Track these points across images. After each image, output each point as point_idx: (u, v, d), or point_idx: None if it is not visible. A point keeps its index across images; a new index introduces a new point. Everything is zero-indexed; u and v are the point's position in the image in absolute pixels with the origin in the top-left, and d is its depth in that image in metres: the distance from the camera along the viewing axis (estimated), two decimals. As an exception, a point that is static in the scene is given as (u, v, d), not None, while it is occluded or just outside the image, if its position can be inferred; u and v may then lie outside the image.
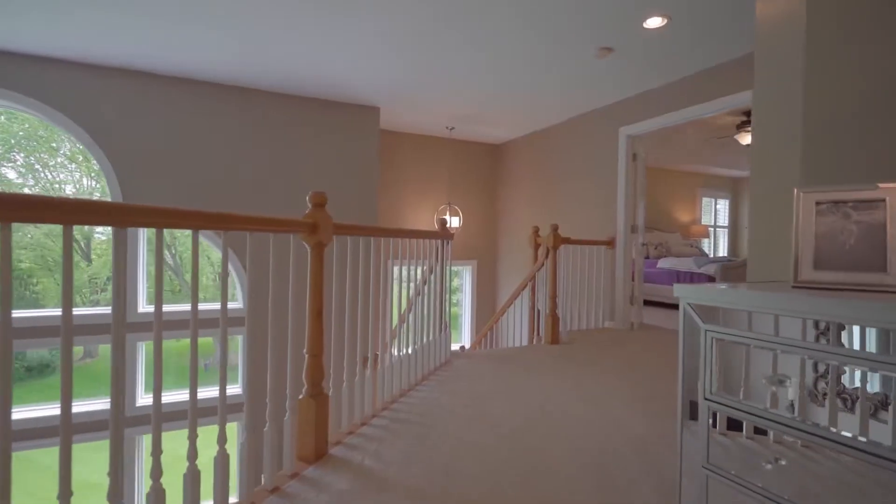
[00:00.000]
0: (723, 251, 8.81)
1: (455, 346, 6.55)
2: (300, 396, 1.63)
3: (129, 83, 3.93)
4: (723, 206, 8.83)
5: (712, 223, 8.71)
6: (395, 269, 2.50)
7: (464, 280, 6.66)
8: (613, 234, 4.48)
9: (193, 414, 1.19)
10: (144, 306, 4.30)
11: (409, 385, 2.49)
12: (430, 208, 6.12)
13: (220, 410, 1.26)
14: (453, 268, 6.76)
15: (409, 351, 2.54)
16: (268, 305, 1.44)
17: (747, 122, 5.98)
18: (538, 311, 4.15)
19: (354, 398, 1.95)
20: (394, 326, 2.92)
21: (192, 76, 4.08)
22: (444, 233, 3.05)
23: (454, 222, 5.89)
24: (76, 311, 4.17)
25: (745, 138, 6.01)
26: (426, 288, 2.91)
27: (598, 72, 3.79)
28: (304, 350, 1.63)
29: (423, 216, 6.07)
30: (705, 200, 8.60)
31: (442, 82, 4.14)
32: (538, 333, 4.06)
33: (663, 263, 6.18)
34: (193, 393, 1.18)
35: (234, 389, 4.45)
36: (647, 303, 5.26)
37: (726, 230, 8.86)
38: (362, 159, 4.88)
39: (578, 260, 4.31)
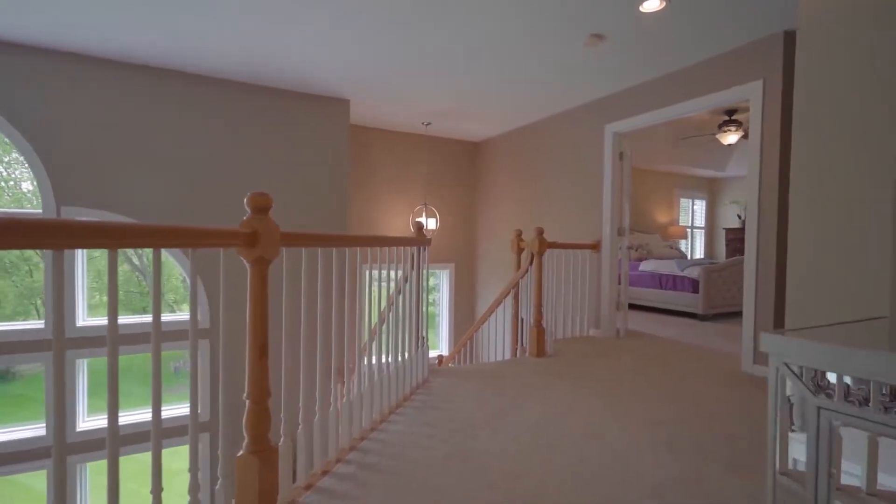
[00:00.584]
0: (699, 253, 8.79)
1: (433, 354, 6.25)
2: (239, 453, 1.28)
3: (59, 65, 3.44)
4: (699, 206, 8.81)
5: (689, 224, 8.67)
6: (369, 276, 2.15)
7: (441, 284, 6.35)
8: (598, 237, 4.26)
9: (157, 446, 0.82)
10: (84, 319, 3.82)
11: (381, 415, 2.16)
12: (406, 209, 5.78)
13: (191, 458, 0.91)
14: (430, 270, 6.43)
15: (381, 375, 2.20)
16: (219, 335, 1.09)
17: (729, 122, 5.90)
18: (521, 319, 3.88)
19: (314, 443, 1.60)
20: (364, 343, 2.58)
21: (133, 60, 3.61)
22: (420, 238, 2.72)
23: (430, 224, 5.57)
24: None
25: (727, 138, 5.92)
26: (400, 299, 2.58)
27: (585, 63, 3.53)
28: (245, 395, 1.28)
29: (397, 217, 5.72)
30: (683, 201, 8.55)
31: (416, 73, 3.81)
32: (522, 344, 3.78)
33: (645, 266, 6.03)
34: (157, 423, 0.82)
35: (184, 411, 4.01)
36: (629, 307, 5.07)
37: (703, 231, 8.84)
38: (331, 156, 4.50)
39: (563, 264, 4.06)
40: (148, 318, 4.02)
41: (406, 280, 2.74)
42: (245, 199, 1.26)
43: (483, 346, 5.09)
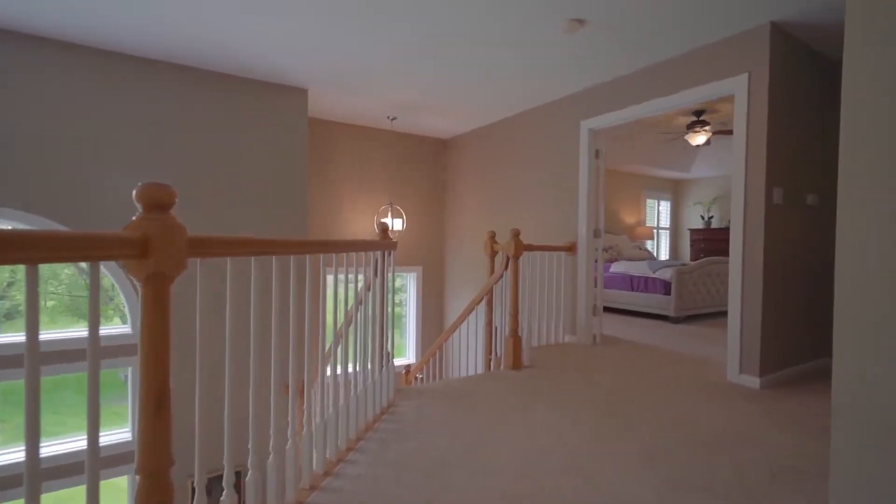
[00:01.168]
0: (664, 254, 8.85)
1: (400, 363, 5.90)
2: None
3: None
4: (665, 207, 8.87)
5: (655, 225, 8.71)
6: (330, 284, 1.80)
7: (408, 287, 6.01)
8: (574, 239, 4.04)
9: None
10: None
11: (338, 453, 1.81)
12: (370, 209, 5.40)
13: None
14: (396, 273, 6.09)
15: (337, 407, 1.85)
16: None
17: (698, 122, 5.86)
18: (495, 328, 3.60)
19: (245, 509, 1.24)
20: (319, 366, 2.21)
21: (65, 37, 3.08)
22: (385, 242, 2.39)
23: (397, 224, 5.22)
24: None
25: (696, 139, 5.88)
26: (361, 314, 2.24)
27: (560, 54, 3.29)
28: (135, 470, 0.91)
29: (361, 218, 5.33)
30: (649, 202, 8.58)
31: (380, 62, 3.46)
32: (496, 354, 3.50)
33: (617, 267, 5.90)
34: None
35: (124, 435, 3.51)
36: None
37: (668, 232, 8.91)
38: (288, 150, 4.08)
39: (537, 268, 3.81)
40: (81, 332, 3.47)
41: (369, 289, 2.40)
42: (134, 192, 0.89)
43: (454, 357, 4.79)
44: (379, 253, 2.40)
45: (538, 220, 4.47)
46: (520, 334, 3.16)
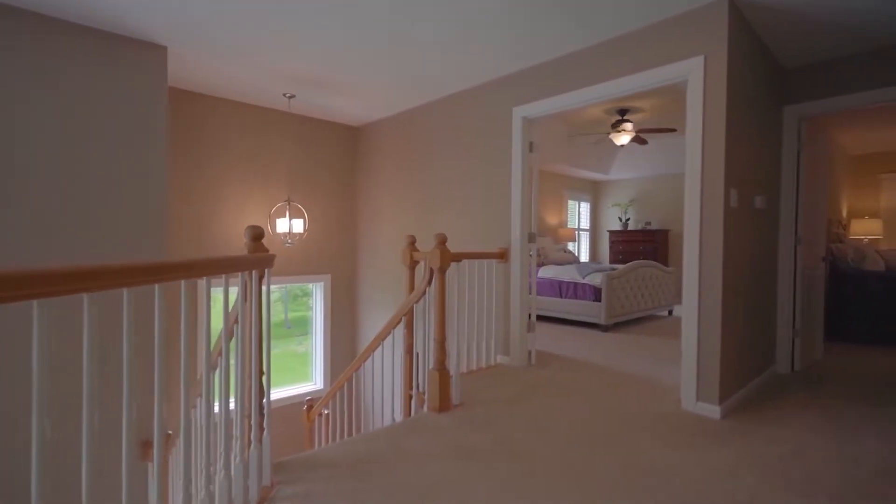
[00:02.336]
0: (584, 255, 8.83)
1: (305, 390, 5.01)
2: None
3: None
4: (585, 209, 8.84)
5: (577, 226, 8.64)
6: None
7: (315, 299, 5.14)
8: (506, 245, 3.51)
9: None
10: None
11: None
12: (263, 207, 4.46)
13: None
14: (300, 284, 5.18)
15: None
16: None
17: (622, 121, 5.70)
18: (416, 354, 2.94)
19: None
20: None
21: None
22: (256, 257, 1.62)
23: (297, 226, 4.34)
24: None
25: (620, 138, 5.70)
26: (224, 363, 1.46)
27: (494, 21, 2.72)
28: None
29: (250, 217, 4.38)
30: (570, 203, 8.47)
31: (265, 18, 2.62)
32: (418, 388, 2.84)
33: (545, 272, 5.55)
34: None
35: None
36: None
37: (588, 233, 8.90)
38: (138, 127, 3.06)
39: (466, 279, 3.23)
40: None
41: (232, 336, 1.62)
42: None
43: (369, 388, 4.05)
44: (247, 274, 1.63)
45: (466, 223, 3.89)
46: (448, 367, 2.53)
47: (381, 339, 2.95)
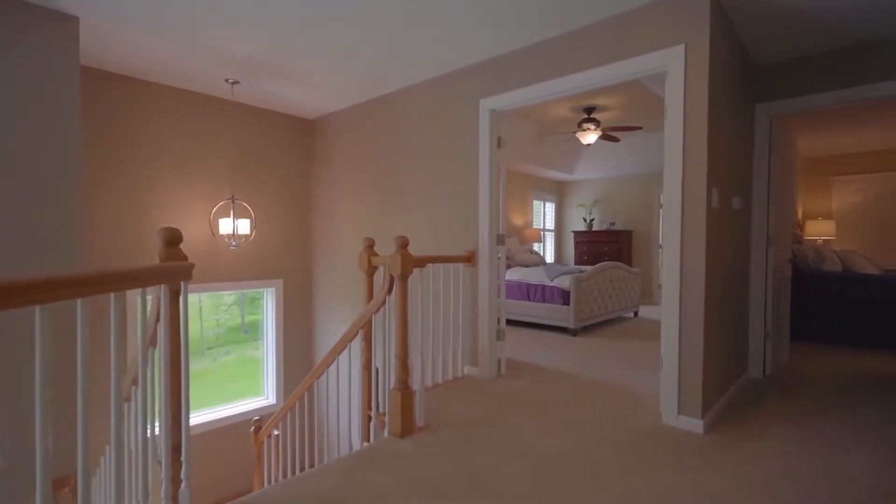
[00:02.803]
0: (550, 256, 8.75)
1: (254, 406, 4.57)
2: None
3: None
4: (550, 209, 8.77)
5: (542, 227, 8.55)
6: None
7: (266, 306, 4.72)
8: (473, 247, 3.27)
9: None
10: None
11: None
12: (203, 206, 4.01)
13: None
14: (248, 291, 4.76)
15: None
16: None
17: (589, 120, 5.59)
18: (376, 369, 2.64)
19: None
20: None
21: None
22: (167, 267, 1.29)
23: (243, 227, 3.93)
24: None
25: (587, 137, 5.60)
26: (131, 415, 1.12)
27: (457, 10, 2.46)
28: None
29: (189, 218, 3.92)
30: (535, 203, 8.36)
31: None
32: (378, 408, 2.54)
33: (512, 275, 5.35)
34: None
35: None
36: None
37: (553, 234, 8.83)
38: (45, 112, 2.59)
39: (430, 285, 2.96)
40: None
41: (134, 384, 1.29)
42: None
43: (326, 405, 3.71)
44: (157, 288, 1.29)
45: (431, 224, 3.61)
46: (410, 385, 2.25)
47: (335, 353, 2.63)
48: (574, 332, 4.73)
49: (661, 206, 7.57)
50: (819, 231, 5.82)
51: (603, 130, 5.50)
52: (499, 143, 3.22)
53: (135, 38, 2.94)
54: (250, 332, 5.74)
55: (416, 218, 3.71)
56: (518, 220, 7.87)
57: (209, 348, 4.85)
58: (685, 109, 2.31)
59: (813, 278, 4.41)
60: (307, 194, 4.84)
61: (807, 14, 2.50)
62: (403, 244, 2.20)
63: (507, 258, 6.09)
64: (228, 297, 4.96)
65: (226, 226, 3.84)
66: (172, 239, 1.41)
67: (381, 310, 2.42)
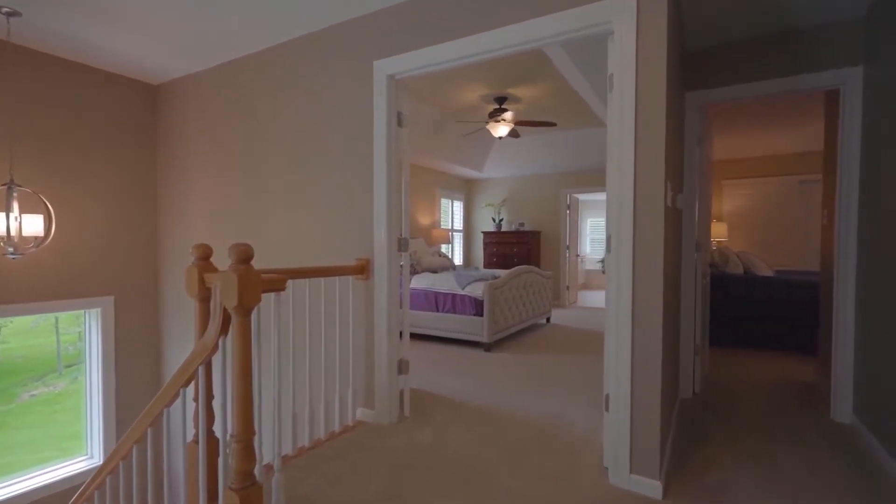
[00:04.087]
0: (458, 258, 8.26)
1: (76, 468, 3.28)
2: None
3: None
4: (458, 208, 8.27)
5: (450, 227, 8.01)
6: None
7: (88, 334, 3.47)
8: (369, 254, 2.51)
9: None
10: None
11: None
12: (-32, 194, 2.72)
13: None
14: (58, 313, 3.49)
15: None
16: None
17: (500, 111, 5.11)
18: (218, 441, 1.75)
19: None
20: None
21: None
22: None
23: (31, 224, 2.72)
24: None
25: (498, 129, 5.11)
26: None
27: None
28: None
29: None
30: (443, 202, 7.80)
31: None
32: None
33: (419, 282, 4.67)
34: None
35: None
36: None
37: (461, 234, 8.34)
38: None
39: (307, 306, 2.15)
40: None
41: None
42: None
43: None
44: None
45: (312, 226, 2.77)
46: (258, 479, 1.43)
47: (145, 425, 1.69)
48: (488, 347, 4.19)
49: (567, 207, 7.49)
50: (714, 233, 6.01)
51: (515, 124, 5.06)
52: (399, 119, 2.49)
53: None
54: (75, 366, 4.32)
55: (296, 217, 2.85)
56: (425, 220, 7.23)
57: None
58: (637, 82, 1.79)
59: (722, 281, 4.35)
60: (151, 185, 3.67)
61: (756, -17, 2.15)
62: (243, 257, 1.37)
63: (413, 263, 5.40)
64: (42, 323, 3.59)
65: None
66: None
67: (217, 354, 1.56)
